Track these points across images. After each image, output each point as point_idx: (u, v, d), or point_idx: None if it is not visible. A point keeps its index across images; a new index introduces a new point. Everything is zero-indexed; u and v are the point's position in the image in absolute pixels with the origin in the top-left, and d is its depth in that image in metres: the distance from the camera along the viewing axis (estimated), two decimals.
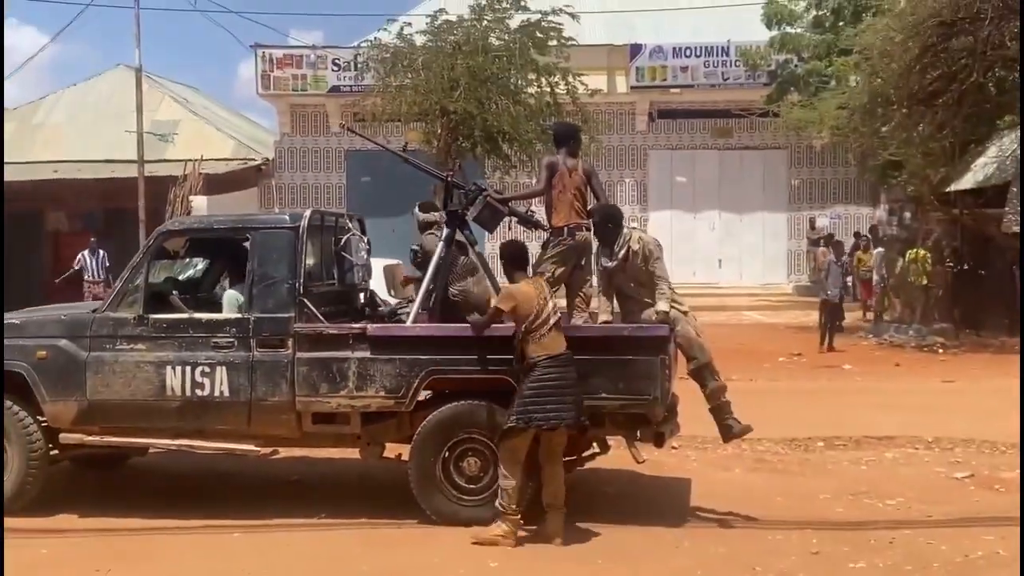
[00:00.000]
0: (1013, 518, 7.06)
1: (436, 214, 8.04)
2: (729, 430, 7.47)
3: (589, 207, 7.60)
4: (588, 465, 7.61)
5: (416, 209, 8.26)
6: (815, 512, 7.36)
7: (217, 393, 7.04)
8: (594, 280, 7.65)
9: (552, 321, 6.55)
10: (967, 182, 20.11)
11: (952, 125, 17.77)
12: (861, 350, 17.65)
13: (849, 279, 21.52)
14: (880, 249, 21.80)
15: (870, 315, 21.05)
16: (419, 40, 20.37)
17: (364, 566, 6.22)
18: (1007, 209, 18.76)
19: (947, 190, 19.97)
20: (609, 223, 7.49)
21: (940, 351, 17.28)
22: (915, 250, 20.21)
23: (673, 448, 9.24)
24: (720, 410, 7.44)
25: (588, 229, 7.46)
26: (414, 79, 20.14)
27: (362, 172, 27.00)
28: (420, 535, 6.77)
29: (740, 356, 16.14)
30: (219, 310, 7.41)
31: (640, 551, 6.41)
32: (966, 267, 20.83)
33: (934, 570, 6.03)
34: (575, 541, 6.60)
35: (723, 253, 27.07)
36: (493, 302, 6.85)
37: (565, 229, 7.36)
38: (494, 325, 6.77)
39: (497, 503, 6.53)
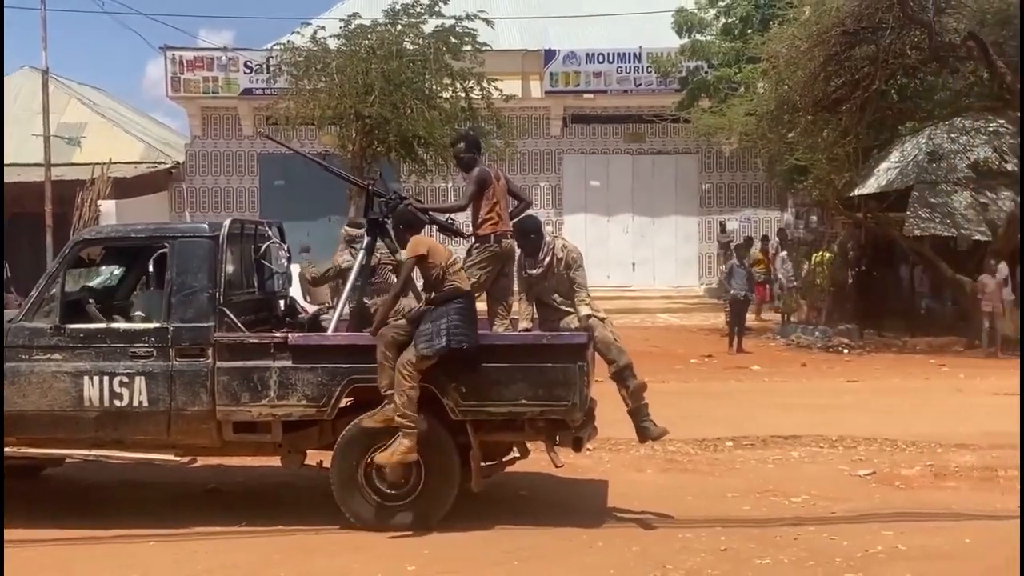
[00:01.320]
0: (912, 514, 7.45)
1: (357, 232, 8.15)
2: (646, 432, 7.70)
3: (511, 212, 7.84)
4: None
5: (345, 224, 8.34)
6: (724, 510, 7.62)
7: (136, 403, 7.05)
8: (514, 287, 7.85)
9: (458, 264, 7.08)
10: (870, 187, 20.78)
11: (856, 131, 18.36)
12: (769, 351, 18.16)
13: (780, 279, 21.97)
14: (784, 252, 22.42)
15: (763, 316, 21.57)
16: (333, 44, 20.40)
17: (282, 573, 6.28)
18: (908, 213, 19.47)
19: (851, 194, 20.59)
20: (531, 234, 7.72)
21: (845, 351, 17.86)
22: (821, 253, 20.83)
23: (588, 450, 9.45)
24: (639, 412, 7.66)
25: (512, 236, 7.67)
26: (328, 83, 20.18)
27: (275, 176, 26.86)
28: (338, 541, 6.84)
29: (653, 358, 16.50)
30: (137, 319, 7.43)
31: (555, 551, 6.59)
32: (866, 269, 21.57)
33: (836, 565, 6.29)
34: (491, 543, 6.76)
35: (636, 256, 27.53)
36: (409, 253, 7.04)
37: (492, 236, 7.55)
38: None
39: (398, 419, 6.66)
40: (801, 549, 6.62)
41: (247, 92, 26.49)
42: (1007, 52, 17.64)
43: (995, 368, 15.48)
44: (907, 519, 7.30)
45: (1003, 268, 18.07)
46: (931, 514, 7.45)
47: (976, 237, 19.53)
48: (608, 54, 26.66)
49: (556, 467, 7.41)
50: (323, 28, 20.76)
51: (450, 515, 7.03)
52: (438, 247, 7.14)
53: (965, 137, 20.25)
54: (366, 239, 7.67)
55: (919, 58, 18.35)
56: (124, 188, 24.17)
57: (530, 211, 8.20)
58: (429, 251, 7.02)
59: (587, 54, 26.77)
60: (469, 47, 20.70)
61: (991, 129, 20.28)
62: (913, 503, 7.82)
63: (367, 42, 20.30)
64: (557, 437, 7.19)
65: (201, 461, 7.98)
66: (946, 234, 19.85)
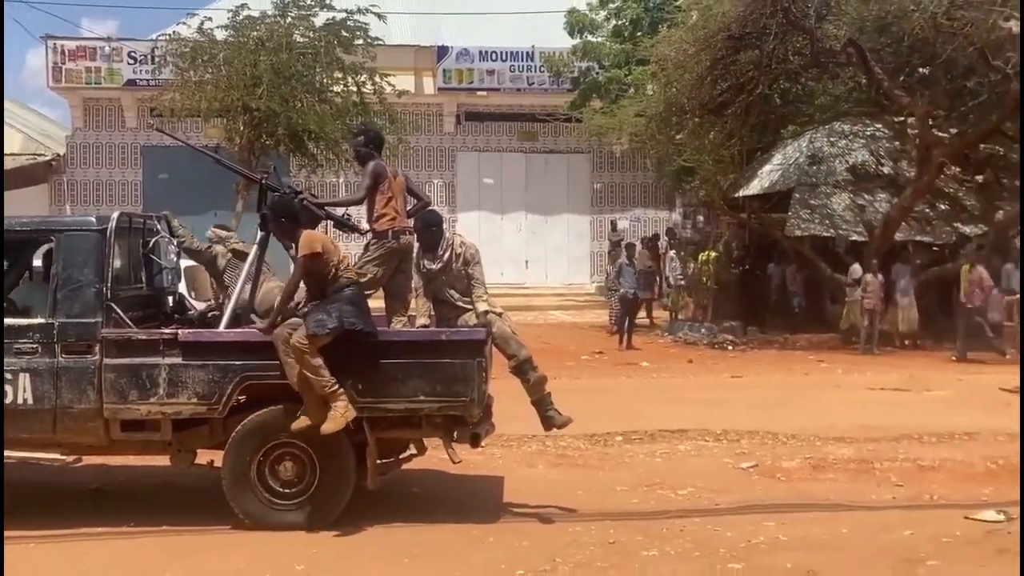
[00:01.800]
0: (792, 505, 7.71)
1: (226, 233, 8.08)
2: (551, 420, 7.79)
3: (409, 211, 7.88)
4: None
5: (212, 226, 8.25)
6: (613, 504, 7.77)
7: (20, 400, 6.87)
8: (412, 284, 7.87)
9: (348, 260, 7.19)
10: (754, 188, 21.36)
11: (740, 134, 18.87)
12: (657, 348, 18.51)
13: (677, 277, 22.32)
14: (673, 251, 22.86)
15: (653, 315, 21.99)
16: (220, 35, 20.04)
17: (168, 574, 6.21)
18: (790, 214, 20.08)
19: (736, 195, 21.14)
20: (433, 227, 7.78)
21: (730, 348, 18.31)
22: (707, 252, 21.31)
23: (480, 447, 9.58)
24: (542, 402, 7.75)
25: (410, 233, 7.70)
26: (215, 75, 19.82)
27: (159, 169, 26.29)
28: (226, 541, 6.79)
29: (545, 355, 16.52)
30: (22, 315, 7.25)
31: (446, 548, 6.65)
32: (750, 268, 22.14)
33: (720, 556, 6.48)
34: (382, 541, 6.79)
35: (529, 254, 27.77)
36: (303, 251, 6.98)
37: (390, 232, 7.57)
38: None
39: (323, 390, 6.65)
40: (687, 540, 6.80)
41: (131, 83, 25.88)
42: (884, 59, 18.33)
43: (872, 364, 16.09)
44: (788, 510, 7.54)
45: (900, 268, 18.76)
46: (810, 505, 7.70)
47: (854, 237, 20.24)
48: (501, 52, 26.81)
49: (453, 463, 7.45)
50: (210, 19, 20.37)
51: (341, 513, 7.03)
52: (327, 240, 7.14)
53: (844, 141, 21.00)
54: (259, 234, 7.61)
55: (801, 63, 18.92)
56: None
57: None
58: (323, 248, 7.02)
59: (480, 52, 26.88)
60: (361, 41, 20.56)
61: (868, 133, 21.08)
62: (793, 495, 8.09)
63: (256, 34, 19.98)
64: (455, 433, 7.22)
65: (85, 460, 7.85)
66: (825, 234, 20.53)
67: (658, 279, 22.74)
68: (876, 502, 7.88)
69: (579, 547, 6.66)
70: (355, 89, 20.53)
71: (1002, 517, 7.29)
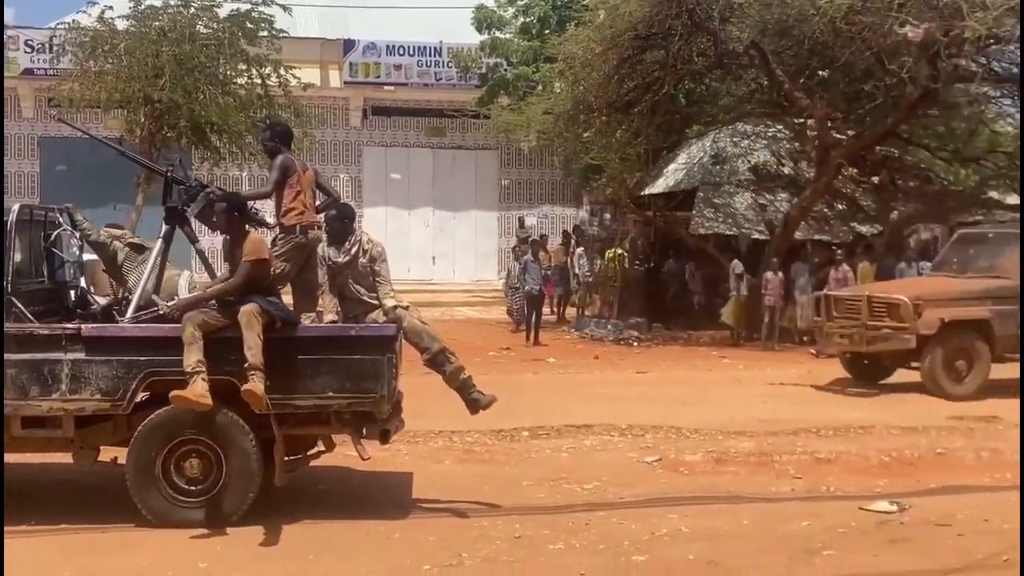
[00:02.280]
0: (695, 498, 7.88)
1: (119, 232, 7.96)
2: (476, 403, 7.81)
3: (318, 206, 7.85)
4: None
5: (105, 225, 8.11)
6: (519, 498, 7.84)
7: None
8: (320, 280, 7.84)
9: None
10: (660, 186, 21.67)
11: (646, 133, 19.10)
12: (564, 344, 18.66)
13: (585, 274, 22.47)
14: (581, 248, 23.07)
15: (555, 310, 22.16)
16: (121, 25, 19.68)
17: (67, 573, 6.10)
18: (694, 212, 20.43)
19: (642, 193, 21.41)
20: (345, 219, 7.77)
21: (635, 344, 18.53)
22: (613, 249, 21.56)
23: (389, 443, 9.58)
24: (464, 387, 7.76)
25: (319, 228, 7.67)
26: (116, 65, 19.48)
27: (57, 161, 25.69)
28: (127, 539, 6.69)
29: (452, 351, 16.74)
30: None
31: (352, 544, 6.65)
32: (655, 265, 22.46)
33: (624, 548, 6.59)
34: (288, 538, 6.75)
35: (437, 250, 27.77)
36: (252, 256, 6.98)
37: (298, 227, 7.54)
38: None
39: (189, 366, 6.61)
40: (592, 534, 6.90)
41: (28, 72, 25.23)
42: (785, 61, 18.71)
43: (772, 360, 16.45)
44: (690, 503, 7.71)
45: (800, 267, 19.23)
46: (712, 497, 7.89)
47: (755, 236, 20.68)
48: (409, 47, 26.76)
49: (363, 460, 7.44)
50: (111, 8, 19.96)
51: (249, 510, 6.98)
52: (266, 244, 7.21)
53: (746, 141, 21.42)
54: (164, 227, 7.50)
55: (705, 64, 19.23)
56: None
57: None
58: (268, 254, 7.07)
59: (387, 46, 26.79)
60: (265, 33, 20.37)
61: (770, 134, 21.53)
62: (696, 487, 8.26)
63: (158, 24, 19.66)
64: (364, 430, 7.21)
65: None
66: (728, 233, 20.93)
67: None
68: (775, 494, 8.09)
69: (486, 542, 6.72)
70: (259, 81, 20.32)
71: (895, 508, 7.57)
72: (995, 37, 16.56)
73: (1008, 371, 12.82)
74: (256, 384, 6.61)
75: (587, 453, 9.55)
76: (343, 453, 8.79)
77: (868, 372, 13.57)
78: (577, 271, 22.72)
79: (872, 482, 8.48)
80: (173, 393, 6.61)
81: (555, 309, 22.01)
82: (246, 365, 6.68)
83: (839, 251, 18.69)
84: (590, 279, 21.98)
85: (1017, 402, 12.01)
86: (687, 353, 17.48)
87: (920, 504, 7.68)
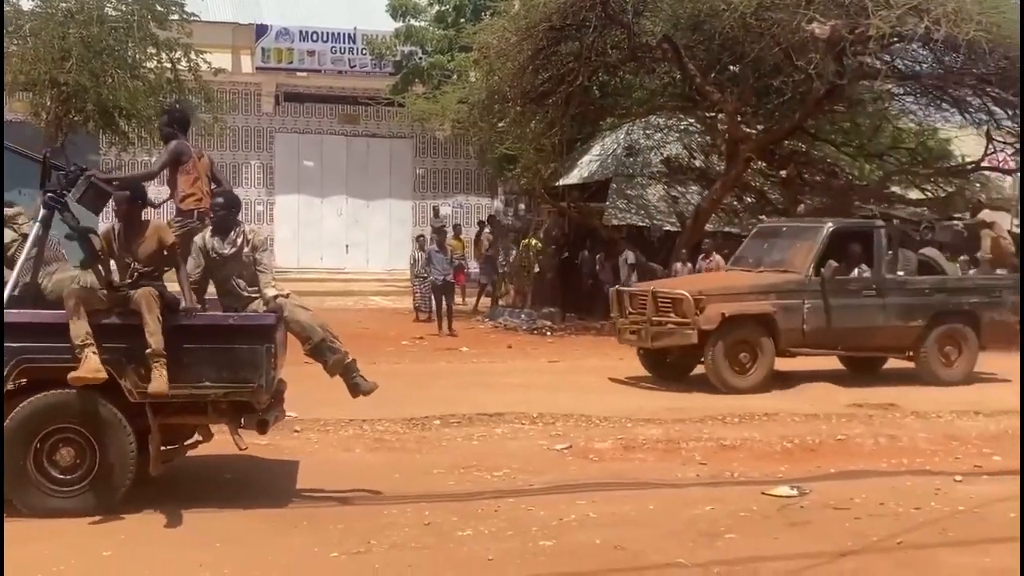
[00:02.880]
0: (603, 484, 7.96)
1: (13, 211, 7.74)
2: (358, 387, 7.74)
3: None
4: (207, 452, 7.72)
5: None
6: (429, 486, 7.85)
7: None
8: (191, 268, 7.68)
9: None
10: (574, 177, 21.82)
11: (561, 124, 19.15)
12: (478, 333, 18.70)
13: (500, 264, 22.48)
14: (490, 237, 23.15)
15: (468, 300, 22.20)
16: (27, 5, 19.23)
17: None
18: (608, 204, 20.62)
19: (556, 184, 21.53)
20: (232, 208, 7.66)
21: (548, 334, 18.65)
22: (528, 239, 21.66)
23: (295, 431, 9.54)
24: (347, 371, 7.69)
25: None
26: (20, 46, 19.01)
27: None
28: (29, 529, 6.50)
29: (365, 340, 16.57)
30: None
31: (259, 532, 6.60)
32: (569, 256, 22.61)
33: (532, 534, 6.65)
34: (194, 526, 6.68)
35: (350, 239, 27.55)
36: (170, 239, 7.02)
37: (195, 212, 7.44)
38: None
39: (78, 338, 6.53)
40: (501, 520, 6.95)
41: None
42: (697, 56, 18.95)
43: None
44: (599, 489, 7.79)
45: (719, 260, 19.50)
46: (620, 484, 7.98)
47: (667, 227, 20.96)
48: (322, 32, 26.47)
49: (240, 450, 7.34)
50: None
51: (154, 498, 6.89)
52: None
53: (659, 134, 21.66)
54: (42, 211, 7.31)
55: (619, 57, 19.36)
56: None
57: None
58: None
59: (301, 31, 26.47)
60: (176, 16, 20.04)
61: (682, 127, 21.80)
62: (605, 474, 8.36)
63: (65, 5, 19.26)
64: (242, 420, 7.12)
65: None
66: (640, 224, 21.16)
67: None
68: (681, 480, 8.23)
69: (394, 529, 6.72)
70: (169, 66, 20.01)
71: (795, 492, 7.75)
72: (899, 35, 16.96)
73: (800, 364, 13.26)
74: (160, 373, 6.53)
75: (498, 441, 9.59)
76: (251, 441, 8.73)
77: (667, 368, 13.32)
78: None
79: (775, 467, 8.68)
80: (71, 375, 6.48)
81: (478, 298, 22.11)
82: (148, 351, 6.59)
83: (706, 240, 18.86)
84: (505, 269, 22.06)
85: (911, 390, 12.50)
86: (599, 342, 17.58)
87: (820, 488, 7.87)
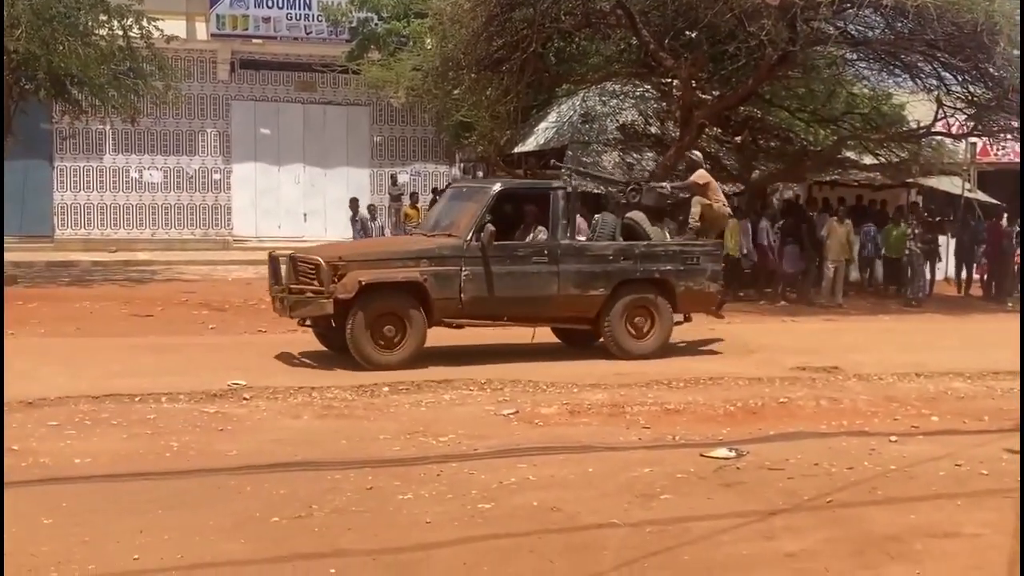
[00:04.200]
0: (545, 448, 8.09)
1: None
2: None
3: None
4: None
5: None
6: (374, 452, 7.94)
7: None
8: None
9: None
10: (530, 144, 21.85)
11: (516, 91, 19.12)
12: None
13: None
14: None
15: None
16: None
17: None
18: (563, 171, 20.62)
19: (513, 151, 21.55)
20: None
21: None
22: None
23: (244, 399, 9.60)
24: None
25: None
26: None
27: None
28: None
29: None
30: None
31: (201, 498, 6.67)
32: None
33: (471, 496, 6.77)
34: (134, 492, 6.74)
35: (308, 207, 27.43)
36: None
37: None
38: None
39: None
40: (442, 484, 7.06)
41: None
42: (653, 22, 18.95)
43: None
44: (540, 453, 7.91)
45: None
46: (562, 447, 8.10)
47: None
48: None
49: None
50: None
51: (97, 465, 6.94)
52: None
53: (615, 101, 21.69)
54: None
55: (573, 23, 19.31)
56: None
57: None
58: None
59: None
60: None
61: (637, 94, 21.82)
62: (548, 438, 8.48)
63: None
64: None
65: None
66: (596, 191, 21.21)
67: None
68: (623, 443, 8.37)
69: (337, 493, 6.82)
70: (121, 33, 19.79)
71: (732, 454, 7.93)
72: (849, 1, 17.07)
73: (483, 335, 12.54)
74: None
75: (446, 407, 9.67)
76: (201, 409, 8.83)
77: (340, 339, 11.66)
78: None
79: (717, 430, 8.85)
80: None
81: None
82: None
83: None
84: None
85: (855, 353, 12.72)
86: None
87: (758, 450, 8.05)
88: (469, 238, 11.68)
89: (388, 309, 11.33)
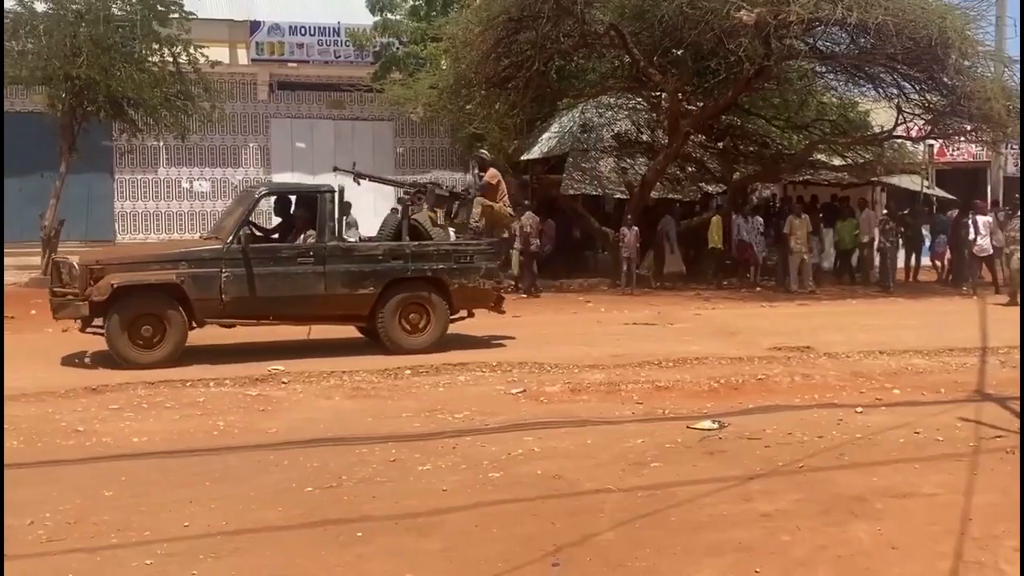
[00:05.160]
0: (549, 422, 8.04)
1: None
2: None
3: None
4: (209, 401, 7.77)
5: None
6: (397, 428, 7.91)
7: None
8: None
9: None
10: (535, 152, 21.82)
11: (522, 105, 19.14)
12: None
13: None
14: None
15: None
16: (40, 7, 19.08)
17: None
18: (565, 175, 20.65)
19: (520, 159, 21.53)
20: None
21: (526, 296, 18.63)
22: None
23: (283, 383, 9.62)
24: None
25: None
26: (36, 44, 18.95)
27: None
28: (33, 475, 6.53)
29: None
30: None
31: (244, 471, 6.66)
32: None
33: (483, 467, 6.75)
34: (186, 467, 6.73)
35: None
36: None
37: None
38: None
39: None
40: (457, 456, 7.05)
41: None
42: (643, 41, 18.95)
43: (629, 303, 16.81)
44: (545, 427, 7.88)
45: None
46: (564, 422, 8.07)
47: (617, 196, 21.03)
48: (310, 27, 26.21)
49: None
50: None
51: (152, 443, 6.94)
52: None
53: (610, 112, 21.69)
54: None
55: (571, 44, 19.31)
56: None
57: None
58: None
59: (290, 26, 26.18)
60: (176, 15, 19.91)
61: (630, 106, 21.82)
62: (552, 414, 8.44)
63: (75, 7, 19.14)
64: None
65: None
66: (594, 193, 21.21)
67: None
68: (618, 417, 8.31)
69: (363, 465, 6.81)
70: (171, 59, 19.89)
71: (715, 426, 7.88)
72: (818, 20, 17.00)
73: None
74: None
75: (461, 387, 9.65)
76: (243, 392, 8.83)
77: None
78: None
79: (702, 404, 8.79)
80: None
81: None
82: None
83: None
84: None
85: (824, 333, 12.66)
86: (558, 299, 17.73)
87: (738, 422, 8.01)
88: (230, 241, 10.91)
89: (146, 310, 10.53)
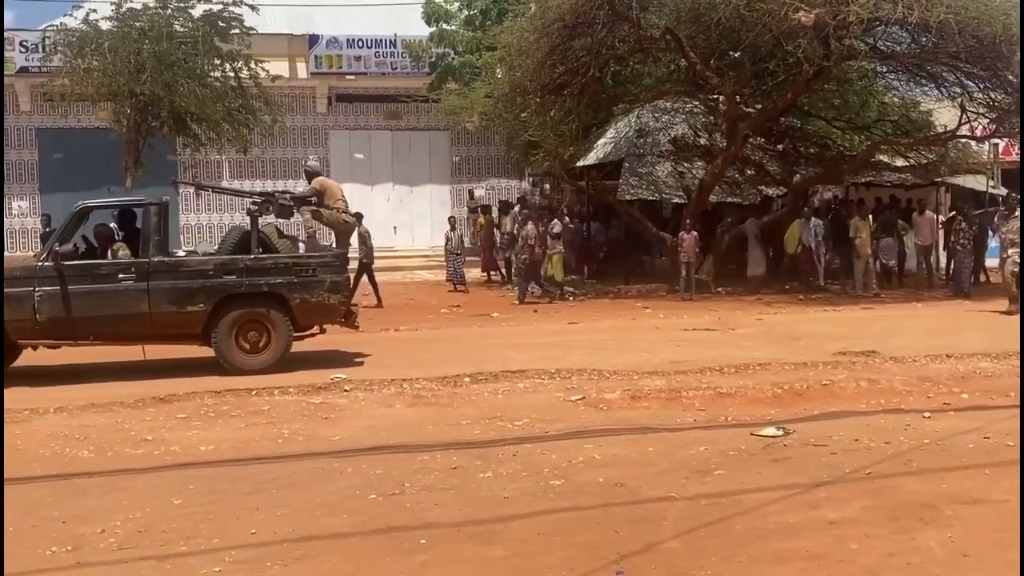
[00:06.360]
0: (609, 430, 8.00)
1: None
2: None
3: None
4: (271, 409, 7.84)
5: None
6: (458, 435, 7.93)
7: None
8: None
9: None
10: (591, 159, 21.74)
11: (577, 111, 19.06)
12: (508, 300, 18.75)
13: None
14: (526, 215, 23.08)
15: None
16: (105, 25, 19.52)
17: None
18: (621, 181, 20.55)
19: (576, 165, 21.48)
20: None
21: (570, 298, 18.67)
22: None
23: (345, 391, 9.70)
24: None
25: None
26: (101, 62, 19.38)
27: (54, 149, 25.35)
28: (105, 484, 6.67)
29: (410, 309, 16.86)
30: None
31: (308, 479, 6.72)
32: (587, 230, 22.57)
33: (544, 474, 6.73)
34: (252, 475, 6.81)
35: (397, 220, 27.67)
36: None
37: None
38: None
39: None
40: (517, 463, 7.03)
41: (23, 70, 24.66)
42: (699, 44, 18.77)
43: (688, 308, 16.64)
44: (605, 434, 7.83)
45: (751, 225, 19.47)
46: (625, 429, 8.01)
47: (675, 200, 20.87)
48: (367, 40, 26.49)
49: None
50: (95, 10, 19.78)
51: (220, 452, 7.02)
52: None
53: (666, 116, 21.53)
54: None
55: (627, 49, 19.20)
56: None
57: None
58: None
59: (348, 39, 26.50)
60: (236, 31, 20.23)
61: (687, 109, 21.63)
62: (612, 421, 8.38)
63: (139, 24, 19.57)
64: None
65: None
66: (651, 198, 21.08)
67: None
68: (680, 424, 8.23)
69: (425, 472, 6.83)
70: (232, 74, 20.23)
71: (780, 432, 7.76)
72: (877, 19, 16.71)
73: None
74: None
75: (520, 394, 9.63)
76: (305, 400, 8.90)
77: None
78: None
79: (765, 411, 8.66)
80: None
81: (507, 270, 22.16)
82: None
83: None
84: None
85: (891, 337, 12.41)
86: (616, 305, 17.64)
87: (803, 429, 7.87)
88: (44, 258, 10.29)
89: None
